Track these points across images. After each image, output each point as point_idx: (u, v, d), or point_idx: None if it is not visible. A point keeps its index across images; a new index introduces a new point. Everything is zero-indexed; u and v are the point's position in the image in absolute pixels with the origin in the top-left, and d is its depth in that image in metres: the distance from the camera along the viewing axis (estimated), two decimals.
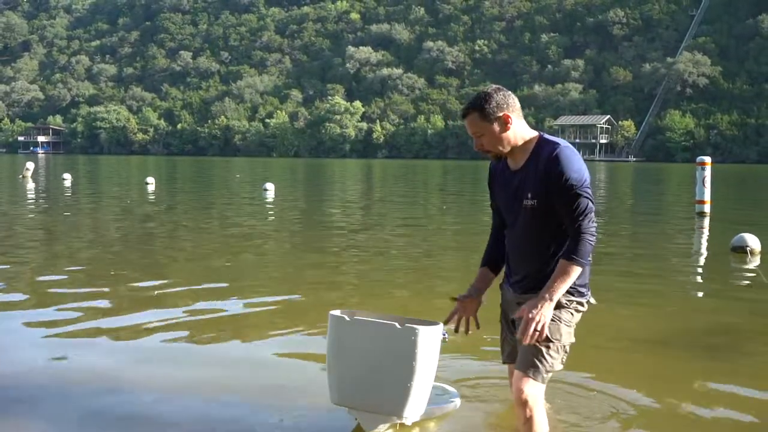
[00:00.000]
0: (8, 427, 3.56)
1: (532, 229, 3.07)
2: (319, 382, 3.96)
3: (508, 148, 3.09)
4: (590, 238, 2.98)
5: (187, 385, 4.16)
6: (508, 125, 3.05)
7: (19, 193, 21.96)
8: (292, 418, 3.69)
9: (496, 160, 3.19)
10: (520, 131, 3.09)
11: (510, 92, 3.12)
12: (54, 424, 3.63)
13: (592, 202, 2.99)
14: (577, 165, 2.97)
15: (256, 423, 3.65)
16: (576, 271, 3.00)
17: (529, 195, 3.03)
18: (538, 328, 2.92)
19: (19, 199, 19.55)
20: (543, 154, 3.02)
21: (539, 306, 2.95)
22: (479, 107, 3.05)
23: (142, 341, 5.10)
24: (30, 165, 32.31)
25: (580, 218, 2.97)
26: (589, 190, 2.98)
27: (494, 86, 3.15)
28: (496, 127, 3.04)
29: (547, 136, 3.12)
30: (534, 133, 3.12)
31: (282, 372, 4.44)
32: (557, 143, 3.04)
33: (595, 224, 3.00)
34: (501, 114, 3.03)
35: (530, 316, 2.93)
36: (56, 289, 7.01)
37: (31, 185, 25.76)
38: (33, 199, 19.79)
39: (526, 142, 3.08)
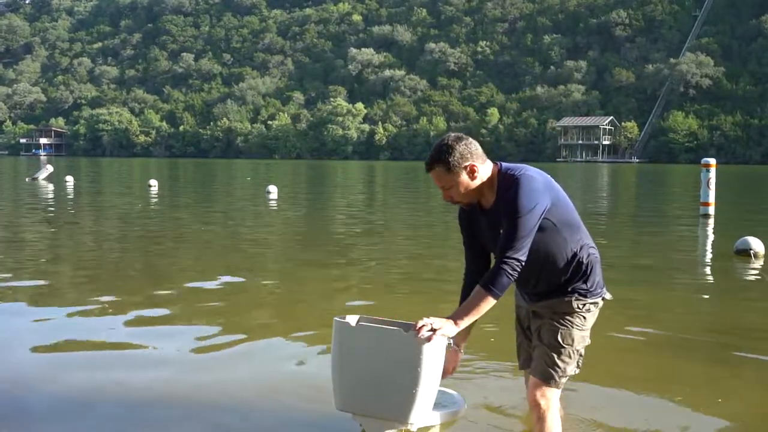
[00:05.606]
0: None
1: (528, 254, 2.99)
2: (324, 388, 3.94)
3: (476, 196, 3.03)
4: (509, 272, 2.90)
5: (188, 389, 4.15)
6: (475, 175, 2.99)
7: (40, 198, 21.97)
8: (296, 425, 3.68)
9: (468, 207, 3.11)
10: (486, 176, 3.02)
11: (470, 138, 3.05)
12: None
13: (531, 233, 2.87)
14: (526, 190, 2.89)
15: (260, 429, 3.63)
16: (490, 303, 2.95)
17: None
18: (425, 333, 2.92)
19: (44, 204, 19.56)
20: (505, 189, 2.95)
21: (442, 326, 2.95)
22: (443, 161, 2.97)
23: (140, 343, 5.09)
24: (49, 167, 31.29)
25: (507, 245, 2.89)
26: (531, 219, 2.88)
27: (453, 135, 3.05)
28: (464, 178, 2.99)
29: (505, 167, 3.03)
30: (492, 166, 3.05)
31: (285, 377, 4.42)
32: (514, 176, 2.96)
33: (521, 257, 2.89)
34: (467, 164, 2.97)
35: (425, 326, 2.92)
36: (54, 300, 7.00)
37: (50, 188, 24.76)
38: (53, 205, 19.79)
39: (491, 180, 3.02)
